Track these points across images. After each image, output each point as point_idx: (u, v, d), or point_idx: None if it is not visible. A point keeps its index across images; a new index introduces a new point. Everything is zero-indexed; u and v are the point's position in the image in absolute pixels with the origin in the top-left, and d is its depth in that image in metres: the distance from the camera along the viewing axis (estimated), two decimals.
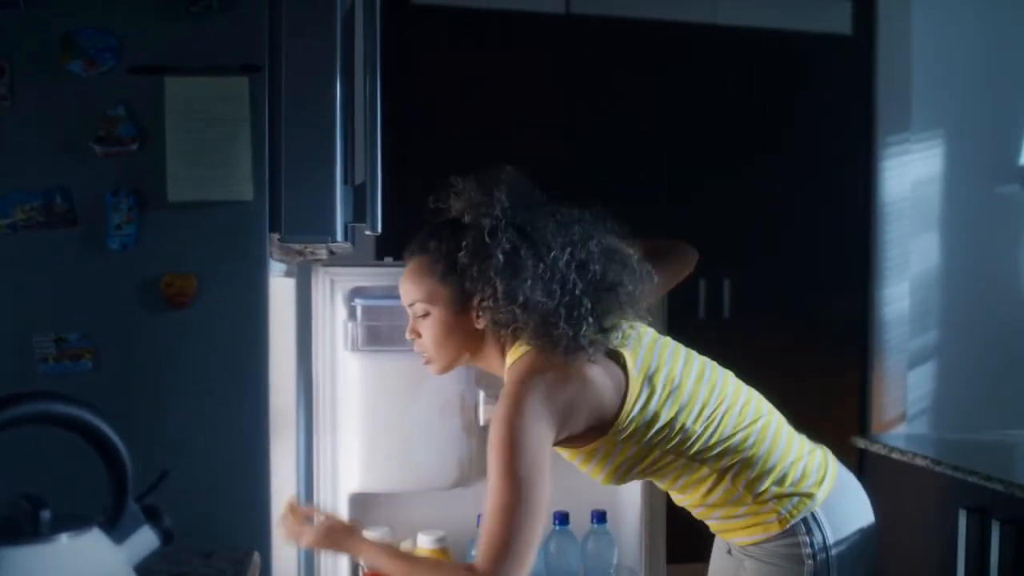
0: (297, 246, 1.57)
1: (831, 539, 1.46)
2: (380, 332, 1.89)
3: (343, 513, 1.83)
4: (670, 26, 3.09)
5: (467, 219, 1.45)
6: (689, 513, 1.57)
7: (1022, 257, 3.28)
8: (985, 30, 3.26)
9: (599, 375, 1.41)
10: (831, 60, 3.23)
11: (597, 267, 1.43)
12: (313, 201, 1.39)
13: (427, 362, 1.54)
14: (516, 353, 1.45)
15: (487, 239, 1.40)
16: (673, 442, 1.44)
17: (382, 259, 2.08)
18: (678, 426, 1.43)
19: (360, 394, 1.84)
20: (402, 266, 1.89)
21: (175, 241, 1.36)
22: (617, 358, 1.44)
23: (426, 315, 1.50)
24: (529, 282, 1.38)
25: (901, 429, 3.22)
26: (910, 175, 3.25)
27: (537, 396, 1.36)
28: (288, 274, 1.80)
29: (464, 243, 1.43)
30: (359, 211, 1.46)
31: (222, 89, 1.37)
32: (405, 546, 1.84)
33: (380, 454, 1.83)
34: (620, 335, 1.43)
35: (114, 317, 1.35)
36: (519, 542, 1.30)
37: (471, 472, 1.87)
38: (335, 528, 1.53)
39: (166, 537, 0.89)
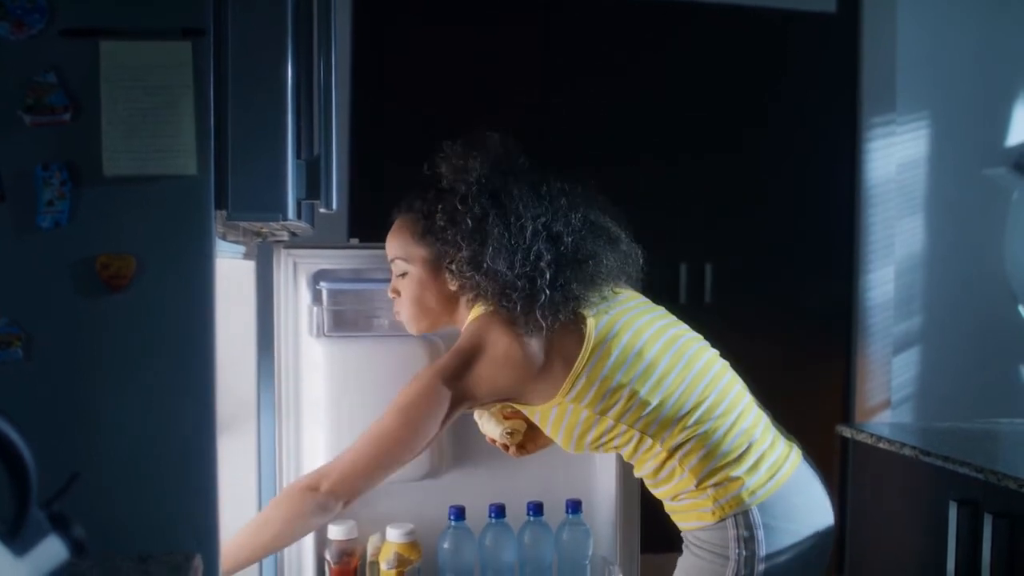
0: (253, 225, 1.47)
1: (762, 540, 1.40)
2: (347, 317, 1.83)
3: None
4: (652, 5, 3.01)
5: (446, 184, 1.51)
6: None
7: (1008, 240, 3.22)
8: (972, 10, 3.21)
9: (535, 348, 1.44)
10: (815, 40, 3.16)
11: (571, 239, 1.44)
12: (262, 176, 1.28)
13: (405, 321, 1.61)
14: (474, 313, 1.51)
15: (459, 204, 1.46)
16: (627, 411, 1.43)
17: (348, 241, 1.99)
18: (629, 393, 1.42)
19: (326, 382, 1.76)
20: (368, 247, 1.83)
21: (112, 219, 1.25)
22: (582, 322, 1.46)
23: (404, 274, 1.57)
24: (491, 250, 1.42)
25: (886, 416, 3.17)
26: (895, 157, 3.20)
27: (460, 367, 1.44)
28: (247, 256, 1.70)
29: (441, 206, 1.49)
30: (313, 187, 1.35)
31: (163, 54, 1.26)
32: (373, 540, 1.75)
33: (347, 445, 1.72)
34: (588, 303, 1.45)
35: (45, 301, 1.25)
36: (375, 470, 1.45)
37: (441, 463, 1.78)
38: None
39: (76, 547, 0.79)
